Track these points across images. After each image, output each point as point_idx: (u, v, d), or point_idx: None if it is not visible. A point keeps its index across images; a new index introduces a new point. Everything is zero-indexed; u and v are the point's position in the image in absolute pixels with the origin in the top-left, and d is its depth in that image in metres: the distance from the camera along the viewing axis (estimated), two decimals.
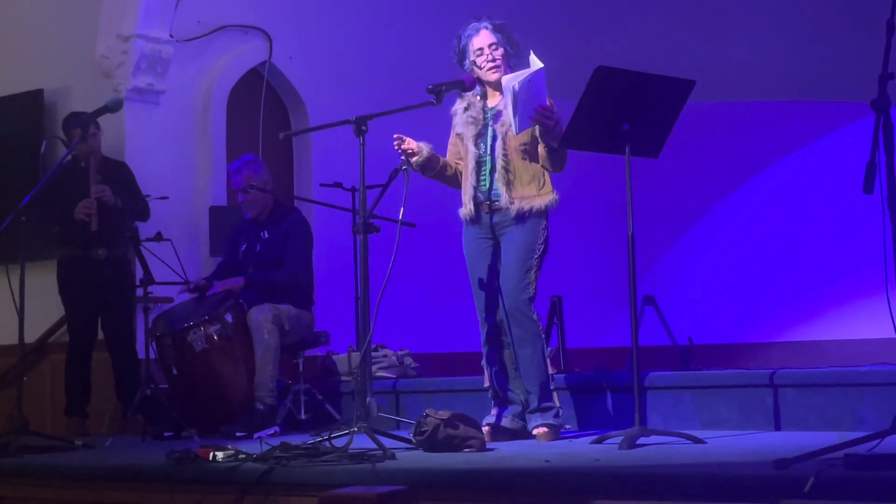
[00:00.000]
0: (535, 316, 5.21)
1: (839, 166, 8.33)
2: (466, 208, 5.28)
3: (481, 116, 5.29)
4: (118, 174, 6.87)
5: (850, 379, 5.06)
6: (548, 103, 5.03)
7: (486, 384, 5.37)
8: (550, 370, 5.27)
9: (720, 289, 9.02)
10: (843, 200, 8.12)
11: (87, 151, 6.66)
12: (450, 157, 5.43)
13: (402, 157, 5.04)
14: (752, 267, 9.00)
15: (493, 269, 5.29)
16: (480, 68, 5.28)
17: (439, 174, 5.38)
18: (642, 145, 4.97)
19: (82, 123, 6.42)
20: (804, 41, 8.88)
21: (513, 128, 5.06)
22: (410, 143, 5.22)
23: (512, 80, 4.97)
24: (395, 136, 5.21)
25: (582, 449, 4.64)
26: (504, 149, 5.21)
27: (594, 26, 9.08)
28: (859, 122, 7.92)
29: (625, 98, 4.84)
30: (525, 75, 4.95)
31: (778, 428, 5.16)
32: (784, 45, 8.93)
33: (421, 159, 5.24)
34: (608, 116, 4.86)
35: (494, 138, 5.23)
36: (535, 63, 4.99)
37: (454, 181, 5.43)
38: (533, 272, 5.19)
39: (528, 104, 4.97)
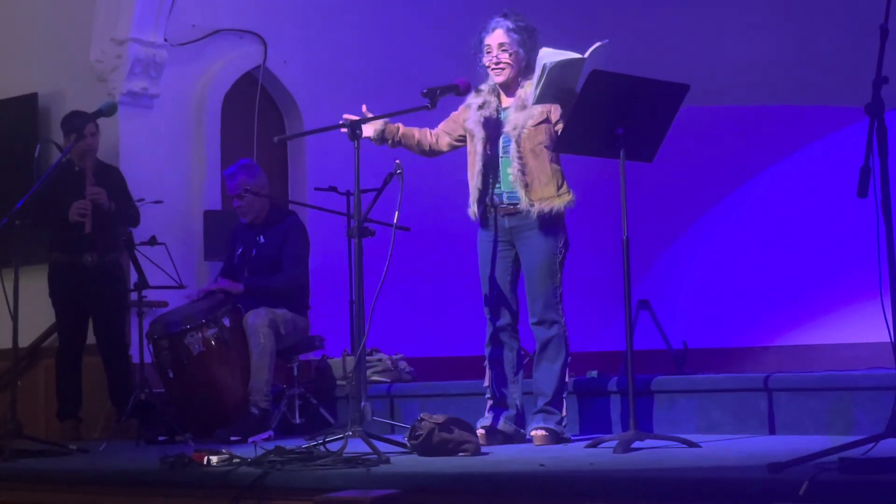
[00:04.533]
0: (563, 320, 5.20)
1: (833, 170, 8.33)
2: (471, 209, 5.25)
3: (495, 117, 5.26)
4: (112, 179, 6.86)
5: (845, 383, 5.06)
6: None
7: (486, 383, 5.36)
8: (567, 378, 5.27)
9: (715, 293, 9.03)
10: (838, 204, 8.13)
11: (83, 151, 6.65)
12: (445, 126, 5.40)
13: (397, 161, 5.03)
14: (746, 271, 9.00)
15: (503, 273, 5.28)
16: (486, 66, 5.27)
17: (403, 143, 5.36)
18: (637, 149, 4.97)
19: (75, 127, 6.41)
20: (798, 46, 8.89)
21: (531, 97, 5.04)
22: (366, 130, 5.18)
23: (547, 58, 4.92)
24: (343, 116, 5.12)
25: (576, 453, 4.64)
26: (519, 151, 5.16)
27: (588, 31, 9.05)
28: (853, 126, 7.92)
29: (619, 102, 4.84)
30: (563, 57, 4.90)
31: (772, 432, 5.17)
32: (778, 49, 8.94)
33: (375, 136, 5.24)
34: (603, 121, 4.86)
35: (508, 141, 5.21)
36: (589, 50, 4.92)
37: (420, 148, 5.41)
38: (559, 275, 5.20)
39: (554, 84, 4.93)
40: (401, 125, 5.36)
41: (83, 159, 6.68)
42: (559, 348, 5.18)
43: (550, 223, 5.17)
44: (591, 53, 4.92)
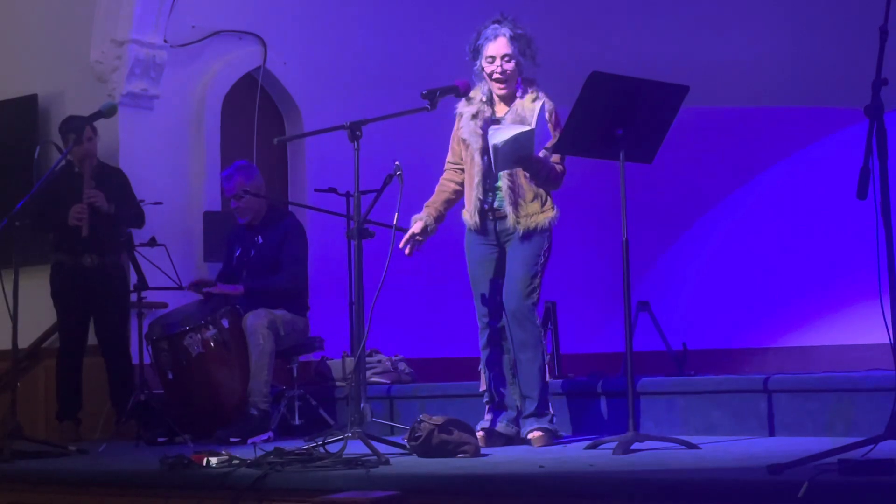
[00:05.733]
0: (538, 321, 5.21)
1: (833, 172, 8.34)
2: (472, 219, 5.22)
3: (489, 126, 5.23)
4: (114, 181, 6.86)
5: (844, 384, 5.06)
6: (540, 154, 5.03)
7: (483, 388, 5.36)
8: (547, 377, 5.28)
9: (714, 294, 9.03)
10: (837, 206, 8.13)
11: (82, 156, 6.66)
12: (452, 157, 5.36)
13: (396, 163, 5.02)
14: (746, 272, 9.00)
15: (497, 275, 5.27)
16: (489, 76, 5.23)
17: (449, 207, 5.36)
18: (636, 151, 4.97)
19: (76, 128, 6.42)
20: (798, 47, 8.90)
21: (492, 168, 5.06)
22: (418, 240, 5.22)
23: (495, 137, 4.94)
24: (401, 247, 5.17)
25: (576, 454, 4.64)
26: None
27: (589, 32, 9.08)
28: (853, 127, 7.93)
29: (619, 103, 4.84)
30: (511, 134, 4.92)
31: (772, 433, 5.16)
32: (778, 50, 8.95)
33: (431, 233, 5.25)
34: (602, 122, 4.86)
35: None
36: (534, 119, 4.98)
37: (457, 196, 5.36)
38: (538, 278, 5.19)
39: (511, 155, 4.96)
40: (431, 208, 5.30)
41: (82, 163, 6.68)
42: (536, 349, 5.19)
43: (535, 235, 5.18)
44: (536, 120, 4.97)
